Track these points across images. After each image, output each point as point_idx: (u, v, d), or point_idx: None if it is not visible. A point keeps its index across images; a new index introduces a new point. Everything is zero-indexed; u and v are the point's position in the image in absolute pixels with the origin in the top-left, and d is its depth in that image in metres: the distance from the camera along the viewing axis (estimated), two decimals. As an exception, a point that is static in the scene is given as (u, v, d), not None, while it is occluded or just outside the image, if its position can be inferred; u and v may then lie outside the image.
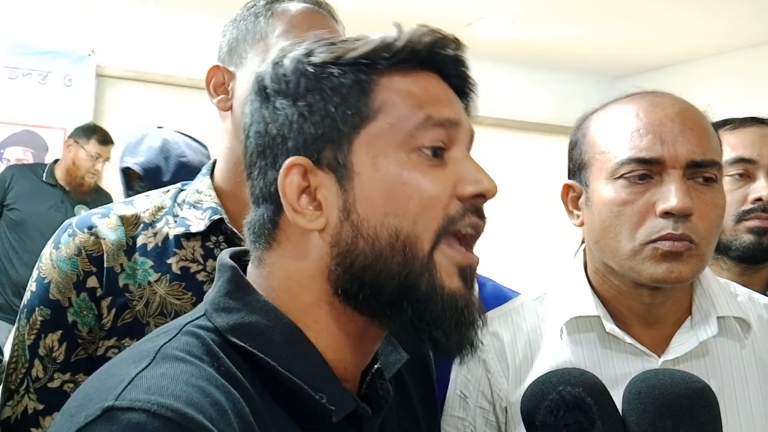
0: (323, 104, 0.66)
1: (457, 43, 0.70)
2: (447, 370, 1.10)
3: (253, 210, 0.71)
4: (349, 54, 0.67)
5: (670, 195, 0.88)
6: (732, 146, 1.36)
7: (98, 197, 3.44)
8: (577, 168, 1.00)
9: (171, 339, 0.64)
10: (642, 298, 0.95)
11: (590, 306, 0.97)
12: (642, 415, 0.71)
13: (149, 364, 0.60)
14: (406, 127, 0.66)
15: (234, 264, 0.70)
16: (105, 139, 3.45)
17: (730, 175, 1.34)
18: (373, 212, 0.64)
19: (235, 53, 1.06)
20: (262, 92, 0.69)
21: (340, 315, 0.67)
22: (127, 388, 0.56)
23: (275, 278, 0.68)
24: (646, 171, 0.90)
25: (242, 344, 0.63)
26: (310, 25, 1.02)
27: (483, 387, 1.00)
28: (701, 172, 0.91)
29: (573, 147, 1.02)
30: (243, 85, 1.03)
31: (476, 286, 1.40)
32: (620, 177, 0.91)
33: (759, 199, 1.32)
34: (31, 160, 3.62)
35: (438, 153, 0.67)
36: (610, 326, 0.95)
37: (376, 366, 0.73)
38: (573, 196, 1.02)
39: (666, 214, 0.88)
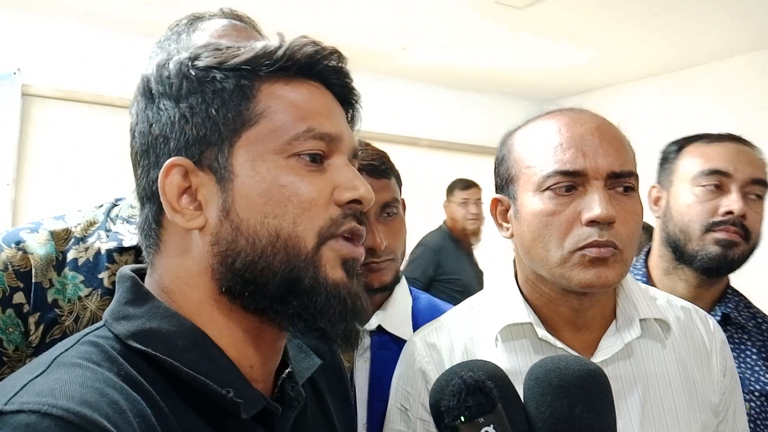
0: (205, 107, 0.67)
1: (338, 55, 0.73)
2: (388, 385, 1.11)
3: (140, 211, 0.71)
4: (232, 60, 0.69)
5: (594, 204, 0.93)
6: (707, 158, 1.40)
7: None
8: (504, 182, 1.04)
9: (68, 349, 0.63)
10: (571, 304, 0.99)
11: (522, 314, 1.01)
12: (540, 398, 0.75)
13: (44, 371, 0.59)
14: (287, 134, 0.68)
15: (133, 274, 0.71)
16: (466, 185, 3.89)
17: (703, 186, 1.38)
18: (253, 212, 0.66)
19: None
20: (147, 93, 0.70)
21: (230, 313, 0.68)
22: (18, 393, 0.55)
23: (165, 280, 0.69)
24: (571, 183, 0.95)
25: (144, 348, 0.63)
26: (234, 35, 1.05)
27: (423, 398, 1.02)
28: (621, 182, 0.96)
29: (499, 163, 1.05)
30: None
31: (405, 293, 1.42)
32: (546, 189, 0.96)
33: (730, 212, 1.35)
34: (-49, 182, 3.46)
35: (316, 159, 0.69)
36: (542, 332, 0.99)
37: (287, 370, 0.74)
38: (501, 210, 1.05)
39: (591, 223, 0.93)
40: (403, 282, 1.41)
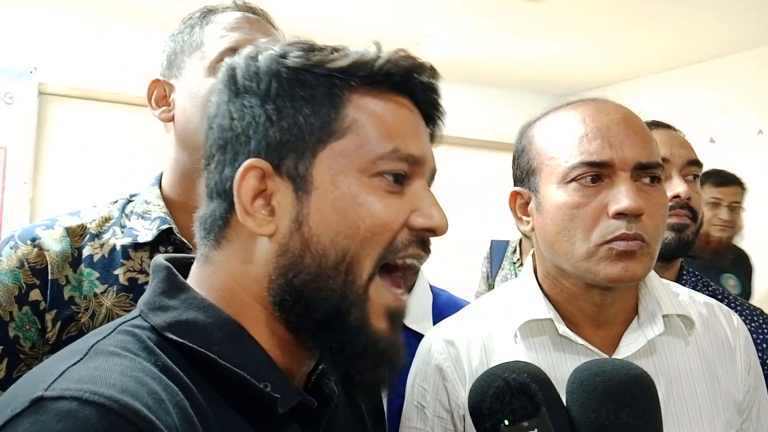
0: (293, 111, 0.65)
1: (432, 71, 0.71)
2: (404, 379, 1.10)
3: (206, 204, 0.70)
4: (326, 64, 0.66)
5: (622, 196, 0.91)
6: None
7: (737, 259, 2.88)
8: (525, 175, 1.01)
9: (104, 337, 0.62)
10: (593, 299, 0.97)
11: (542, 309, 0.99)
12: (585, 402, 0.73)
13: (81, 358, 0.58)
14: (373, 153, 0.65)
15: (168, 264, 0.69)
16: (723, 180, 2.81)
17: None
18: (325, 229, 0.64)
19: (174, 65, 1.07)
20: (231, 85, 0.68)
21: (274, 323, 0.66)
22: (57, 379, 0.54)
23: (219, 277, 0.67)
24: (597, 173, 0.92)
25: (181, 340, 0.62)
26: (247, 27, 1.05)
27: (440, 396, 1.01)
28: (647, 173, 0.94)
29: (519, 155, 1.03)
30: (182, 95, 1.04)
31: (425, 289, 1.41)
32: (571, 181, 0.93)
33: (677, 196, 1.37)
34: (-31, 181, 3.50)
35: (399, 180, 0.67)
36: (562, 328, 0.97)
37: (321, 366, 0.73)
38: (521, 203, 1.03)
39: (619, 215, 0.91)
40: (424, 278, 1.41)
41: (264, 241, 0.65)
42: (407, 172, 0.67)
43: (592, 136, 0.93)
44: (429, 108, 0.72)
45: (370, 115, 0.66)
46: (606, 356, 0.95)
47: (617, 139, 0.93)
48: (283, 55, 0.67)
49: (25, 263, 0.94)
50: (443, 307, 1.37)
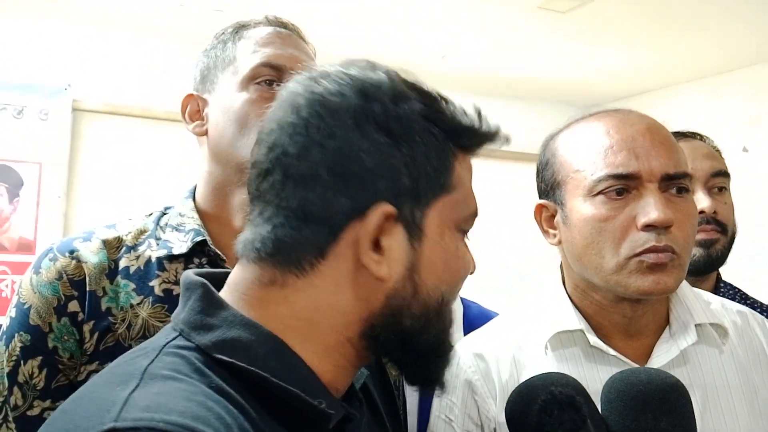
0: (425, 160, 0.66)
1: (501, 137, 0.74)
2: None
3: (291, 224, 0.65)
4: (450, 121, 0.69)
5: (650, 208, 0.90)
6: None
7: None
8: (549, 187, 1.01)
9: (153, 360, 0.61)
10: (623, 311, 0.96)
11: (572, 321, 0.98)
12: (623, 412, 0.72)
13: (138, 384, 0.57)
14: (467, 210, 0.71)
15: (204, 281, 0.68)
16: None
17: None
18: (432, 278, 0.67)
19: (207, 80, 1.09)
20: (356, 113, 0.65)
21: (352, 350, 0.67)
22: (124, 408, 0.53)
23: (295, 304, 0.66)
24: (623, 186, 0.92)
25: (229, 360, 0.61)
26: (279, 42, 1.06)
27: (470, 410, 1.00)
28: (674, 183, 0.93)
29: (543, 167, 1.03)
30: (216, 109, 1.05)
31: (456, 302, 1.41)
32: (598, 194, 0.93)
33: (701, 212, 1.35)
34: (5, 195, 3.57)
35: (465, 235, 0.73)
36: (594, 339, 0.96)
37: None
38: (547, 216, 1.03)
39: (648, 227, 0.90)
40: None
41: (371, 280, 0.65)
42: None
43: (618, 148, 0.93)
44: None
45: (465, 175, 0.72)
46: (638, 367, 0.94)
47: (643, 150, 0.92)
48: (404, 96, 0.67)
49: (64, 275, 0.96)
50: (474, 319, 1.38)
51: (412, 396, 1.27)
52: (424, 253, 0.67)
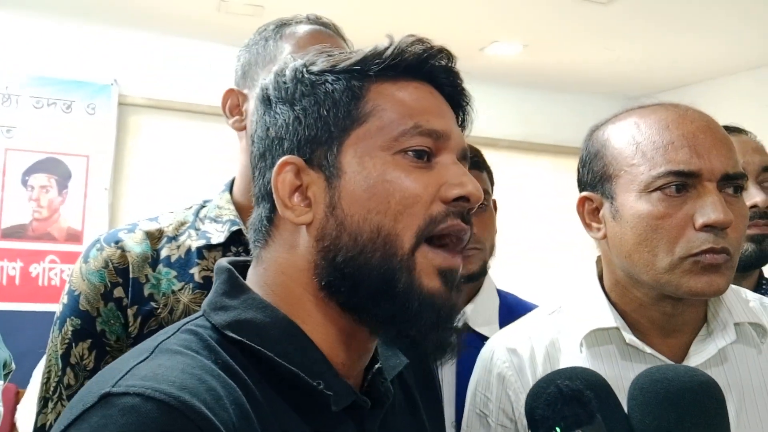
0: (317, 108, 0.69)
1: (447, 54, 0.73)
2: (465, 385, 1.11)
3: (255, 210, 0.74)
4: (343, 63, 0.71)
5: (711, 209, 0.87)
6: None
7: None
8: (597, 180, 0.97)
9: (169, 336, 0.66)
10: (664, 309, 0.94)
11: (608, 318, 0.96)
12: (646, 409, 0.70)
13: (147, 357, 0.62)
14: (394, 131, 0.68)
15: (230, 267, 0.73)
16: None
17: None
18: (357, 208, 0.67)
19: (248, 76, 1.11)
20: (265, 100, 0.74)
21: (328, 309, 0.69)
22: (124, 377, 0.58)
23: (270, 274, 0.71)
24: (683, 183, 0.89)
25: (239, 338, 0.65)
26: (318, 43, 1.07)
27: (504, 404, 0.99)
28: (732, 183, 0.91)
29: (591, 158, 0.99)
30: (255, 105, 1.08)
31: (492, 293, 1.42)
32: (655, 190, 0.89)
33: (754, 206, 1.32)
34: (54, 187, 3.70)
35: (423, 156, 0.69)
36: (630, 337, 0.94)
37: (376, 366, 0.75)
38: (591, 208, 0.99)
39: (706, 228, 0.87)
40: (491, 281, 1.41)
41: (303, 230, 0.69)
42: (432, 148, 0.69)
43: (679, 144, 0.90)
44: (453, 92, 0.74)
45: (389, 99, 0.69)
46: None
47: (704, 148, 0.89)
48: (307, 64, 0.72)
49: (110, 264, 1.01)
50: (510, 309, 1.38)
51: (448, 388, 1.28)
52: (344, 188, 0.67)
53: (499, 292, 1.46)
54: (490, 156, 1.38)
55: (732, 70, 4.33)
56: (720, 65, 4.25)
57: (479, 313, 1.33)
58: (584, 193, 1.00)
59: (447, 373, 1.28)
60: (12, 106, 3.63)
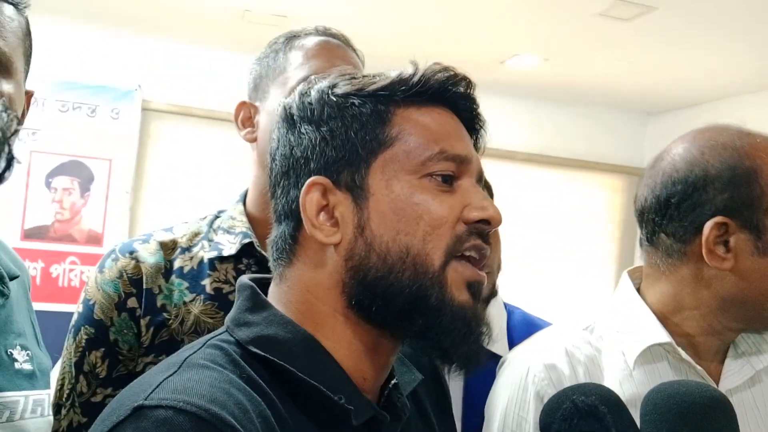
0: (344, 130, 0.71)
1: (467, 82, 0.75)
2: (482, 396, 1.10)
3: (276, 227, 0.76)
4: (369, 87, 0.73)
5: None
6: None
7: None
8: (738, 205, 0.89)
9: (196, 351, 0.68)
10: (731, 338, 0.94)
11: (661, 333, 0.94)
12: (659, 425, 0.70)
13: (176, 371, 0.64)
14: (421, 156, 0.71)
15: (252, 284, 0.75)
16: None
17: None
18: (386, 229, 0.69)
19: (259, 89, 1.13)
20: (289, 119, 0.75)
21: (355, 326, 0.71)
22: (156, 390, 0.60)
23: (294, 292, 0.73)
24: None
25: (263, 354, 0.67)
26: (327, 55, 1.08)
27: None
28: None
29: (730, 181, 0.90)
30: (266, 118, 1.09)
31: (500, 308, 1.41)
32: None
33: None
34: (77, 190, 3.75)
35: (448, 180, 0.72)
36: (685, 354, 0.93)
37: (393, 381, 0.76)
38: (720, 235, 0.90)
39: None
40: (498, 297, 1.41)
41: (331, 250, 0.71)
42: (455, 172, 0.72)
43: None
44: (469, 117, 0.77)
45: (415, 124, 0.72)
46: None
47: None
48: (332, 86, 0.74)
49: (124, 274, 1.03)
50: (518, 326, 1.38)
51: (456, 403, 1.28)
52: (372, 209, 0.69)
53: (507, 307, 1.45)
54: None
55: (754, 88, 4.29)
56: (739, 83, 4.21)
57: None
58: (718, 219, 0.90)
59: (454, 389, 1.28)
60: (38, 109, 3.69)
